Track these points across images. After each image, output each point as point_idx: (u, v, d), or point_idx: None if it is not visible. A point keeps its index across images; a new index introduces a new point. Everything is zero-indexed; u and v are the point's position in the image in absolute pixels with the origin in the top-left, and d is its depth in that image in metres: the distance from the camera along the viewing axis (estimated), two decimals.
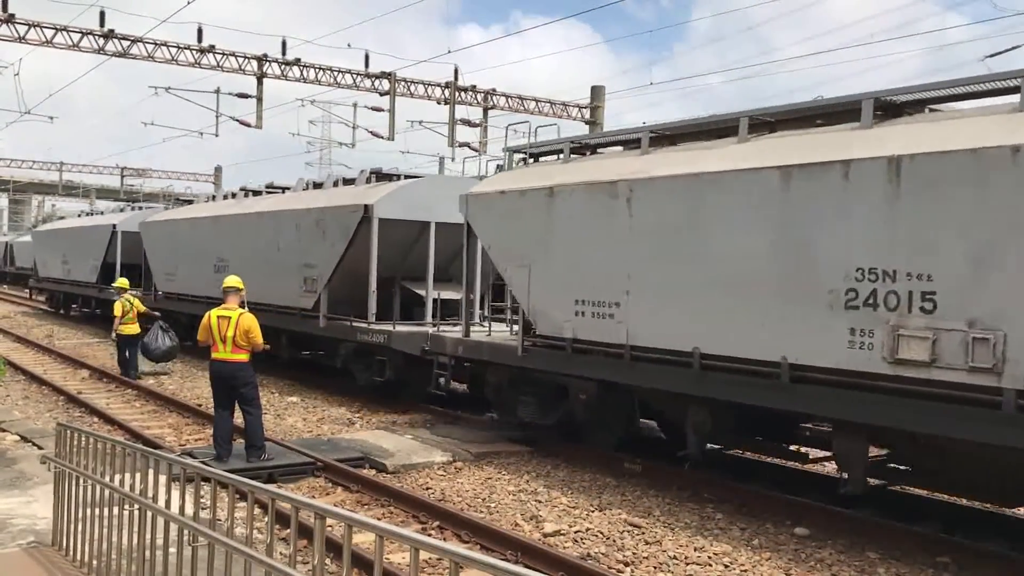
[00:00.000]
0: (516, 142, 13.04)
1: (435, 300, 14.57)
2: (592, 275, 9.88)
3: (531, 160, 12.07)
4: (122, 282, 17.83)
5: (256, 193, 20.05)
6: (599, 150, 11.36)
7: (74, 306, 32.45)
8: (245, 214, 18.35)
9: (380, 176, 15.63)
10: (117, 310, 16.81)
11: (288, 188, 19.08)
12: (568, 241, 10.21)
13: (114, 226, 26.57)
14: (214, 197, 23.33)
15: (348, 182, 16.61)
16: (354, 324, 14.41)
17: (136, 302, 17.28)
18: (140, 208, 29.40)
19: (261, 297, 16.24)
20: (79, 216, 35.68)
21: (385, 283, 14.70)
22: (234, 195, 21.23)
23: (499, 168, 13.36)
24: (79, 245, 29.40)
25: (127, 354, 16.90)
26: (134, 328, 16.92)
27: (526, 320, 10.93)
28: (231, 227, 18.79)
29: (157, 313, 18.33)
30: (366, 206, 14.16)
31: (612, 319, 9.61)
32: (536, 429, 11.51)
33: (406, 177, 15.65)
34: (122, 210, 30.96)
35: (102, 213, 32.73)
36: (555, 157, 11.60)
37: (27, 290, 44.25)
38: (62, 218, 42.47)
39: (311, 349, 17.33)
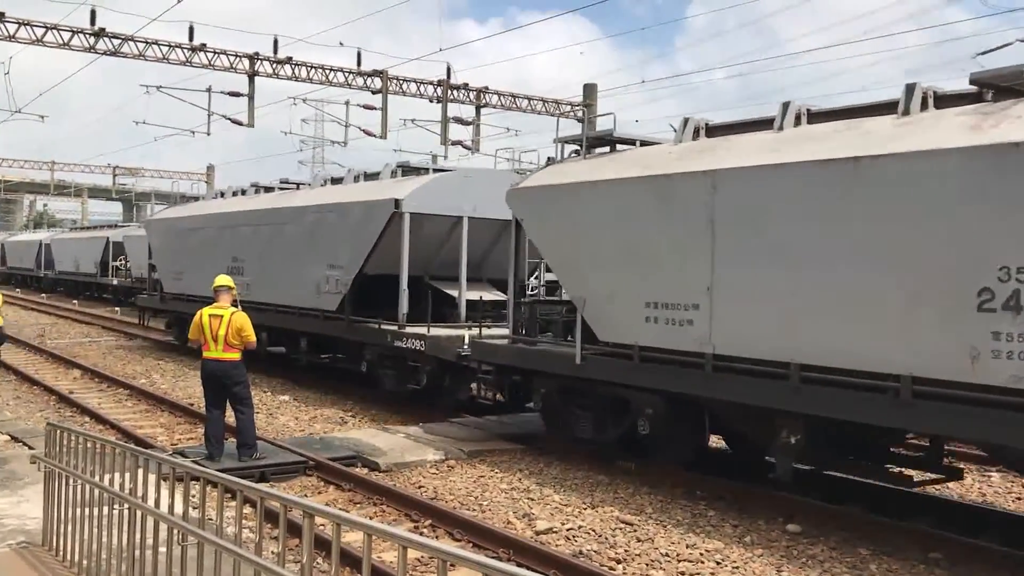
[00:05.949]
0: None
1: None
2: None
3: None
4: None
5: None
6: None
7: None
8: None
9: None
10: None
11: None
12: None
13: (397, 202, 13.53)
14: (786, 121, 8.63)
15: None
16: None
17: None
18: (434, 170, 15.24)
19: None
20: (247, 191, 20.17)
21: None
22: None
23: None
24: (284, 241, 16.25)
25: None
26: None
27: None
28: None
29: None
30: None
31: None
32: None
33: None
34: (362, 178, 16.42)
35: (296, 186, 19.03)
36: None
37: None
38: (195, 199, 25.38)
39: None
